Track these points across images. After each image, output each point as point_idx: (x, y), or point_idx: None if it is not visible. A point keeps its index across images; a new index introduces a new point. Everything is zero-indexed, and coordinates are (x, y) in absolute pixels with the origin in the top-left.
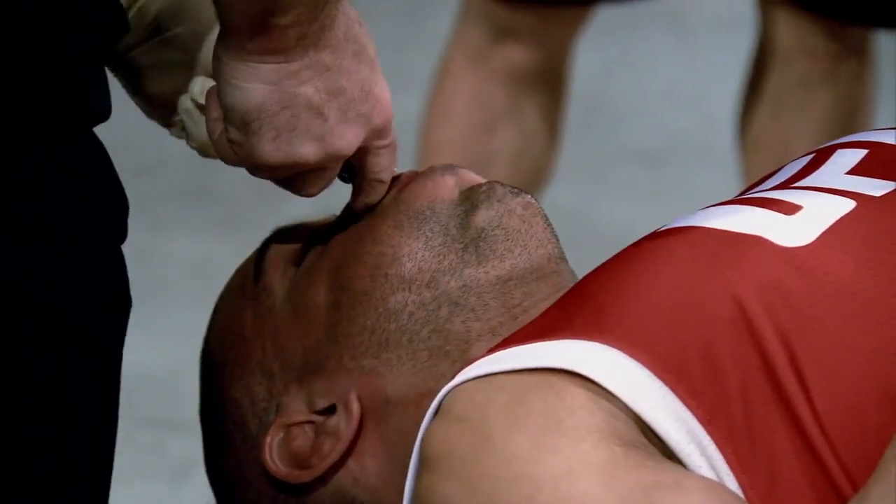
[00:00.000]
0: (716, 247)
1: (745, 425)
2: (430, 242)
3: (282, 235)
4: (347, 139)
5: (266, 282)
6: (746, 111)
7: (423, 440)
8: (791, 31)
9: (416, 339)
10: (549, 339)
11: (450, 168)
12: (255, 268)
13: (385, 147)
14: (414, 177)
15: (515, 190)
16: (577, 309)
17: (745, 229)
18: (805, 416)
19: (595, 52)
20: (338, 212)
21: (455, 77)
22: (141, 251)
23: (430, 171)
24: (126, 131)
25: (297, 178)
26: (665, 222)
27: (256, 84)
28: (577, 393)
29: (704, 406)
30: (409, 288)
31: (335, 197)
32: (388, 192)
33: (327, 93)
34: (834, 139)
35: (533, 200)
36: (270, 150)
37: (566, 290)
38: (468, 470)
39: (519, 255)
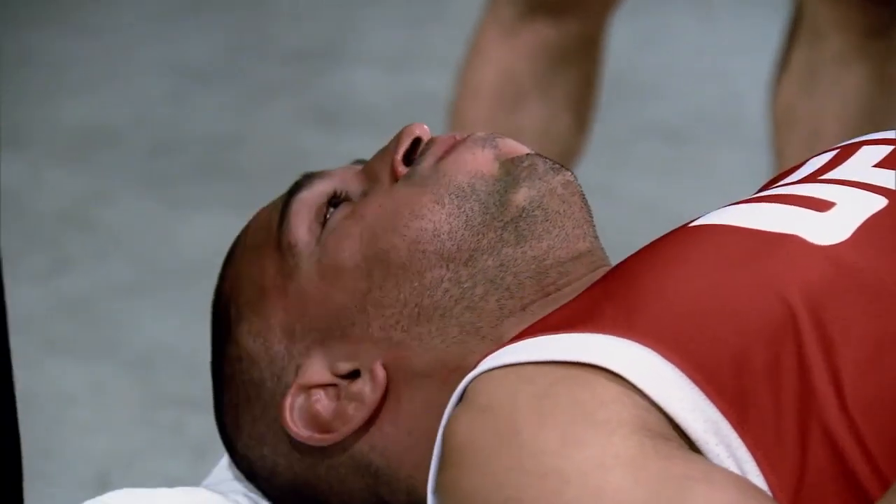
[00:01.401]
0: (752, 247)
1: (777, 428)
2: (471, 221)
3: (307, 185)
4: None
5: (291, 236)
6: (778, 86)
7: (446, 428)
8: (826, 4)
9: (448, 315)
10: (580, 332)
11: (490, 139)
12: (280, 217)
13: None
14: (452, 144)
15: (556, 166)
16: (609, 302)
17: (780, 228)
18: (838, 422)
19: (618, 28)
20: (362, 162)
21: (485, 51)
22: (160, 229)
23: (470, 142)
24: (140, 107)
25: None
26: (689, 200)
27: None
28: (608, 386)
29: (735, 408)
30: (447, 266)
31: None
32: (423, 156)
33: None
34: (867, 116)
35: (572, 178)
36: None
37: (600, 269)
38: (494, 463)
39: (556, 235)
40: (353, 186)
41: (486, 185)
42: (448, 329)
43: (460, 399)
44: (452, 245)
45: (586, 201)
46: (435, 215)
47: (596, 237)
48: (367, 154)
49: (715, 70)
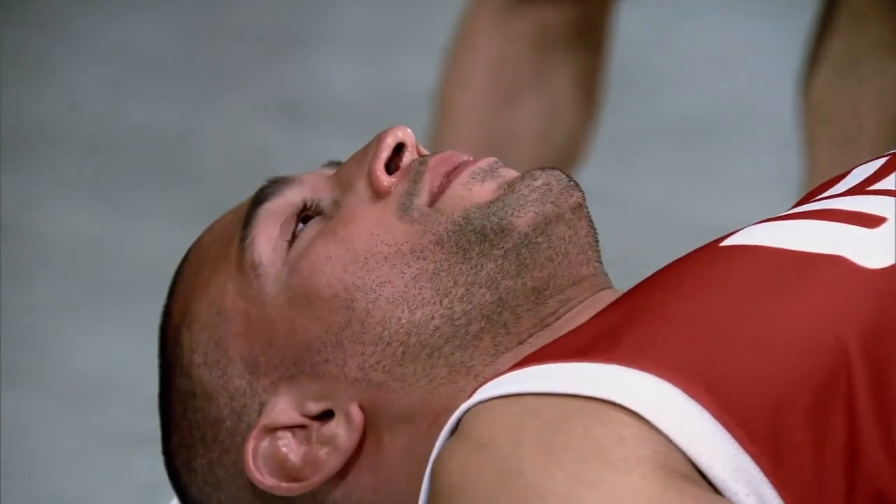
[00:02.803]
0: (792, 271)
1: (819, 483)
2: (468, 253)
3: (274, 193)
4: None
5: (255, 255)
6: (809, 77)
7: (437, 465)
8: None
9: (436, 355)
10: (592, 361)
11: (491, 171)
12: (241, 230)
13: None
14: (450, 171)
15: (572, 183)
16: (626, 329)
17: (824, 248)
18: (892, 480)
19: (627, 15)
20: (333, 167)
21: (474, 39)
22: (100, 241)
23: (467, 176)
24: (76, 100)
25: None
26: (705, 206)
27: None
28: (625, 422)
29: (770, 455)
30: (441, 302)
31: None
32: (417, 183)
33: None
34: None
35: (583, 199)
36: None
37: (602, 292)
38: None
39: (559, 264)
40: (325, 196)
41: (481, 211)
42: (435, 369)
43: (452, 432)
44: (449, 280)
45: (592, 223)
46: (437, 255)
47: (599, 260)
48: (340, 154)
49: (735, 60)
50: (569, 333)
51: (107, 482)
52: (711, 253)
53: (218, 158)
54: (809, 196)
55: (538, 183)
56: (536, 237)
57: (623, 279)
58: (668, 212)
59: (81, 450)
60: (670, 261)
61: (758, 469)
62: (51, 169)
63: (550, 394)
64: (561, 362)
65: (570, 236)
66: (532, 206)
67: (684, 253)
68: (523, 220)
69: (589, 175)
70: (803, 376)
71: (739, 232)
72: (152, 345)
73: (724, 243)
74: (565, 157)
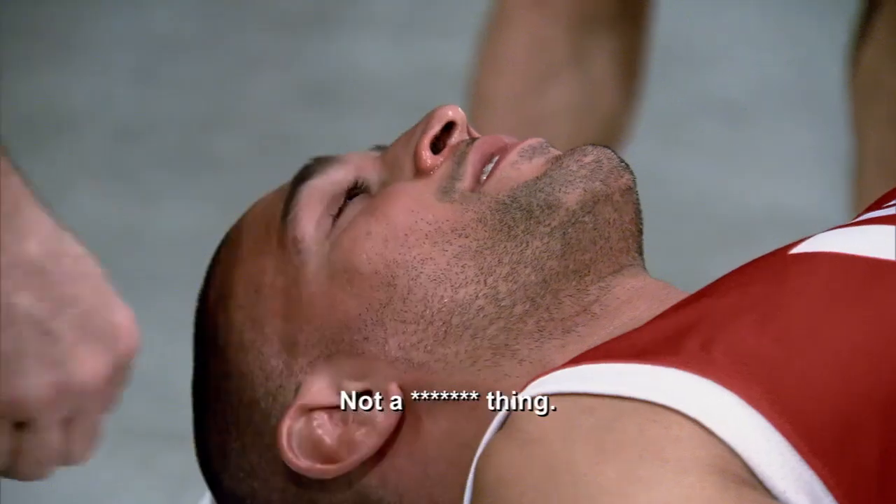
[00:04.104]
0: (867, 279)
1: (882, 495)
2: (514, 230)
3: (319, 171)
4: (90, 367)
5: (298, 230)
6: (859, 52)
7: (483, 459)
8: None
9: (480, 336)
10: (651, 364)
11: (541, 148)
12: (284, 207)
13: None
14: (497, 152)
15: (623, 164)
16: (688, 333)
17: (890, 254)
18: None
19: None
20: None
21: (510, 17)
22: (129, 228)
23: (515, 155)
24: (101, 86)
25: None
26: (752, 188)
27: None
28: (682, 424)
29: (832, 467)
30: (485, 281)
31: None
32: (461, 165)
33: (50, 302)
34: None
35: (633, 182)
36: None
37: (640, 280)
38: (542, 501)
39: (601, 248)
40: (371, 176)
41: (528, 188)
42: (479, 351)
43: (501, 425)
44: (494, 258)
45: (640, 210)
46: (479, 233)
47: (640, 251)
48: (372, 138)
49: (781, 39)
50: (628, 333)
51: (134, 477)
52: (780, 260)
53: (247, 144)
54: (880, 201)
55: (588, 159)
56: (584, 216)
57: (666, 261)
58: (713, 194)
59: (108, 444)
60: (711, 240)
61: (819, 482)
62: (76, 156)
63: (606, 395)
64: (619, 363)
65: (614, 220)
66: (581, 182)
67: (726, 232)
68: (572, 196)
69: (631, 155)
70: (872, 389)
71: (809, 239)
72: (181, 337)
73: (793, 251)
74: (605, 138)
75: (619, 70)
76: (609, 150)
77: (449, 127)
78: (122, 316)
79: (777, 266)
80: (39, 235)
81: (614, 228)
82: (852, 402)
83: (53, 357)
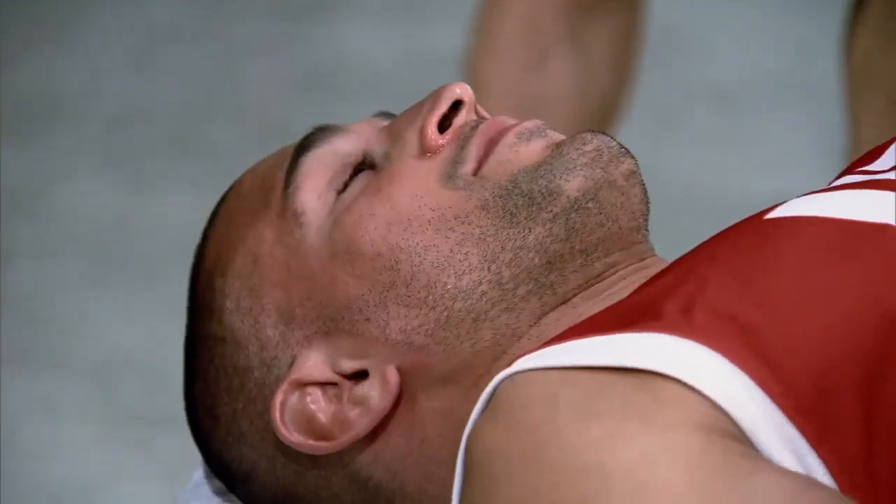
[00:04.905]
0: (843, 240)
1: (865, 451)
2: (516, 217)
3: (322, 140)
4: None
5: (298, 203)
6: (852, 37)
7: (470, 437)
8: None
9: (481, 319)
10: (634, 331)
11: (538, 130)
12: (286, 176)
13: None
14: (498, 135)
15: (623, 150)
16: (668, 298)
17: (869, 216)
18: None
19: None
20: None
21: (505, 3)
22: (123, 216)
23: (513, 136)
24: (95, 74)
25: None
26: (746, 175)
27: None
28: (668, 386)
29: (815, 425)
30: (489, 267)
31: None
32: (465, 149)
33: None
34: None
35: (635, 165)
36: None
37: (648, 259)
38: (529, 468)
39: (609, 228)
40: (376, 148)
41: (528, 174)
42: (480, 332)
43: (487, 403)
44: (497, 245)
45: (646, 191)
46: (482, 220)
47: (647, 228)
48: None
49: (778, 25)
50: (612, 305)
51: (131, 462)
52: (756, 225)
53: (242, 131)
54: (851, 167)
55: (588, 147)
56: (587, 202)
57: (660, 248)
58: (707, 181)
59: (105, 428)
60: (708, 230)
61: (803, 439)
62: (71, 144)
63: (590, 367)
64: (602, 335)
65: (622, 202)
66: (582, 170)
67: (722, 222)
68: (573, 184)
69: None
70: (852, 346)
71: (784, 204)
72: (177, 323)
73: (769, 216)
74: (599, 120)
75: (614, 51)
76: (609, 138)
77: (456, 105)
78: None
79: (755, 231)
80: None
81: (623, 211)
82: (834, 361)
83: None
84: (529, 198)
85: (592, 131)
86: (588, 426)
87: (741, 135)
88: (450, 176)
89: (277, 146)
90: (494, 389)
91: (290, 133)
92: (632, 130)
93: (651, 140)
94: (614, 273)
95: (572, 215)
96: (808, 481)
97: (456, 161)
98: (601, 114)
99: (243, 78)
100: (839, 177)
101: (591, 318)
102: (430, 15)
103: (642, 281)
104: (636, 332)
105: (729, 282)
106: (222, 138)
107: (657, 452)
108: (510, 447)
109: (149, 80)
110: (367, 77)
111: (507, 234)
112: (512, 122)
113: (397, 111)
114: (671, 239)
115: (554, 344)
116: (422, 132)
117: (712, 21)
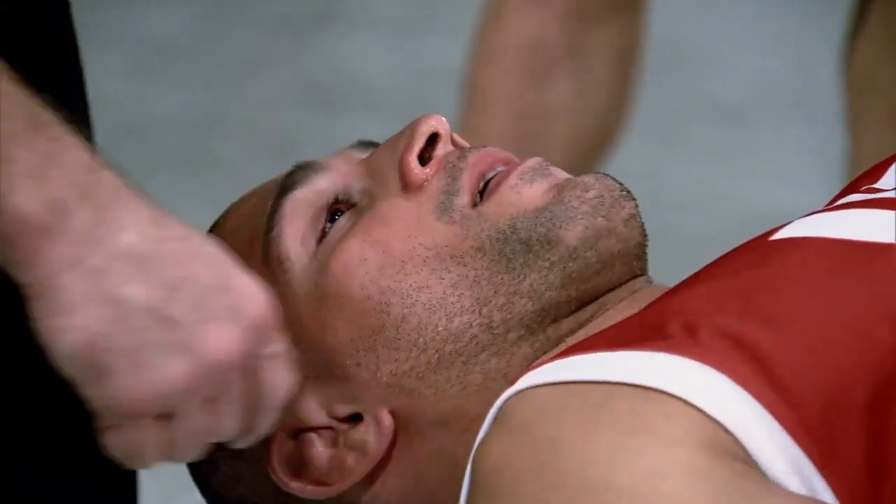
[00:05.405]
0: (848, 260)
1: (871, 474)
2: (512, 263)
3: (302, 180)
4: (218, 344)
5: (282, 249)
6: (853, 47)
7: (477, 453)
8: None
9: (472, 362)
10: (639, 350)
11: (541, 169)
12: (268, 221)
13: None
14: (489, 167)
15: (625, 193)
16: (674, 319)
17: (874, 236)
18: None
19: None
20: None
21: (505, 16)
22: None
23: (515, 178)
24: (98, 87)
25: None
26: (749, 188)
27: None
28: (674, 403)
29: (821, 447)
30: (480, 311)
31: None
32: (456, 180)
33: (161, 288)
34: None
35: (635, 207)
36: (132, 385)
37: (640, 291)
38: (533, 483)
39: (605, 275)
40: (355, 184)
41: (528, 220)
42: (470, 376)
43: (494, 421)
44: (490, 289)
45: (644, 230)
46: (477, 262)
47: (645, 263)
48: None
49: (782, 37)
50: (614, 325)
51: None
52: (762, 246)
53: (244, 145)
54: (856, 184)
55: (590, 195)
56: (585, 251)
57: (663, 261)
58: (710, 195)
59: None
60: (711, 243)
61: (808, 460)
62: None
63: (596, 381)
64: (608, 351)
65: (619, 249)
66: (582, 219)
67: (725, 235)
68: (572, 233)
69: (627, 155)
70: (858, 367)
71: (789, 225)
72: None
73: (774, 237)
74: (601, 135)
75: (615, 66)
76: (610, 180)
77: (433, 139)
78: (240, 284)
79: (759, 252)
80: (137, 225)
81: (620, 256)
82: (839, 381)
83: (177, 343)
84: (527, 245)
85: (596, 174)
86: (594, 440)
87: (744, 148)
88: (444, 209)
89: (281, 160)
90: (501, 406)
91: (293, 147)
92: (636, 142)
93: (655, 152)
94: (605, 311)
95: (570, 264)
96: (814, 503)
97: (449, 192)
98: (602, 127)
99: (247, 92)
100: (844, 193)
101: (597, 334)
102: (434, 30)
103: (632, 312)
104: (643, 350)
105: (733, 303)
106: (226, 152)
107: (664, 467)
108: (517, 462)
109: (153, 93)
110: (370, 91)
111: (502, 278)
112: (501, 153)
113: (399, 126)
114: (673, 250)
115: (558, 359)
116: (403, 167)
117: (716, 35)
